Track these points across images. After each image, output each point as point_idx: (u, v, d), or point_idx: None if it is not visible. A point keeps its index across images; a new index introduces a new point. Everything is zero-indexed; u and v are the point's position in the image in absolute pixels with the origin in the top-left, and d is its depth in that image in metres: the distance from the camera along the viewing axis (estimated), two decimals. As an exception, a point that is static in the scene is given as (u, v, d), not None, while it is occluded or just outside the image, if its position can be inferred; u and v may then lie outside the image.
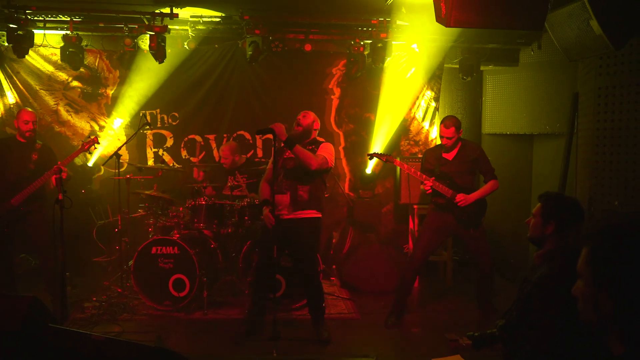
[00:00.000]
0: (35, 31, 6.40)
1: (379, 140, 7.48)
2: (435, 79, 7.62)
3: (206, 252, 5.95)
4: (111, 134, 7.34)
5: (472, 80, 7.24)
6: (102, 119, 7.35)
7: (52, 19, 6.44)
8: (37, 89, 7.18)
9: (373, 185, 7.54)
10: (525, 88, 7.14)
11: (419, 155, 6.93)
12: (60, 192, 4.85)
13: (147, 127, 6.65)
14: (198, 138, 7.48)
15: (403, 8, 6.28)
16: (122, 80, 7.29)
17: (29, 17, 6.26)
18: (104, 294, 6.09)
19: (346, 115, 7.64)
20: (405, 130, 7.69)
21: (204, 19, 6.64)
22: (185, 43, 6.84)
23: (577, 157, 5.67)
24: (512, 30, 6.47)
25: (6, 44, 6.35)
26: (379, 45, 6.63)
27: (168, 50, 6.56)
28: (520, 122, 7.22)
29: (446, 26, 4.20)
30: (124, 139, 7.20)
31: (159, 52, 6.38)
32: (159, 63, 6.59)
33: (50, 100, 7.23)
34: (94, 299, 5.94)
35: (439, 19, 4.27)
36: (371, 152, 5.65)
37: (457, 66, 7.12)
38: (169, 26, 6.38)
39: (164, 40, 6.42)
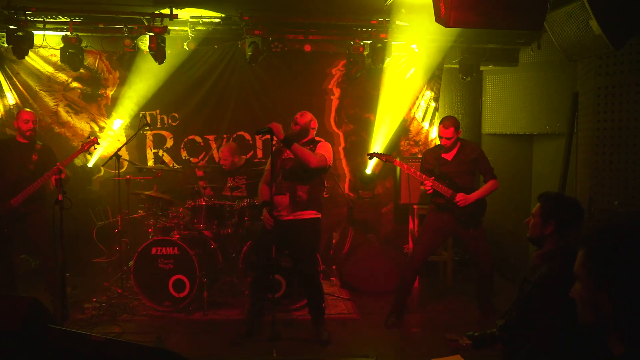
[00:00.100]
0: (35, 32, 6.40)
1: (379, 141, 7.48)
2: (435, 79, 7.62)
3: (206, 252, 5.95)
4: (111, 135, 7.34)
5: (471, 81, 7.24)
6: (102, 119, 7.36)
7: (51, 20, 6.44)
8: (37, 90, 7.18)
9: (373, 186, 7.54)
10: (525, 88, 7.14)
11: (419, 156, 6.93)
12: (60, 193, 4.85)
13: (147, 127, 6.65)
14: (198, 139, 7.48)
15: (403, 8, 6.28)
16: (122, 81, 7.29)
17: (29, 18, 6.26)
18: (104, 295, 6.09)
19: (346, 115, 7.64)
20: (405, 131, 7.69)
21: (204, 20, 6.64)
22: (185, 44, 6.84)
23: (577, 157, 5.67)
24: (511, 31, 6.46)
25: (6, 45, 6.35)
26: (379, 45, 6.63)
27: (168, 51, 6.56)
28: (520, 122, 7.22)
29: (445, 26, 4.21)
30: (123, 139, 7.20)
31: (158, 53, 6.38)
32: (159, 64, 6.59)
33: (50, 101, 7.23)
34: (94, 299, 5.94)
35: (439, 19, 4.28)
36: (371, 152, 5.65)
37: (457, 66, 7.12)
38: (168, 27, 6.37)
39: (163, 41, 6.42)
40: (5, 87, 7.11)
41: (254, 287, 5.15)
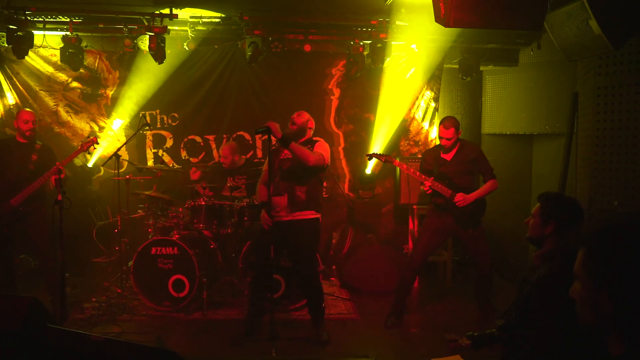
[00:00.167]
0: (35, 32, 6.39)
1: (379, 141, 7.48)
2: (434, 79, 7.62)
3: (206, 252, 5.95)
4: (111, 135, 7.34)
5: (471, 81, 7.23)
6: (102, 119, 7.36)
7: (51, 20, 6.43)
8: (37, 89, 7.19)
9: (373, 186, 7.54)
10: (525, 88, 7.14)
11: (419, 156, 6.92)
12: (60, 193, 4.85)
13: (147, 127, 6.65)
14: (198, 139, 7.48)
15: (402, 8, 6.28)
16: (122, 81, 7.29)
17: (29, 18, 6.26)
18: (104, 295, 6.10)
19: (346, 115, 7.64)
20: (404, 131, 7.69)
21: (204, 20, 6.64)
22: (185, 44, 6.84)
23: (577, 157, 5.67)
24: (511, 31, 6.46)
25: (6, 45, 6.35)
26: (379, 45, 6.62)
27: (168, 51, 6.56)
28: (520, 122, 7.21)
29: (445, 26, 4.20)
30: (123, 139, 7.20)
31: (158, 53, 6.38)
32: (159, 64, 6.59)
33: (50, 101, 7.23)
34: (94, 299, 5.94)
35: (438, 19, 4.27)
36: (370, 152, 5.65)
37: (457, 66, 7.12)
38: (168, 27, 6.37)
39: (163, 41, 6.42)
40: (5, 87, 7.11)
41: (253, 287, 5.15)
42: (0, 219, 5.37)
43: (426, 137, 7.70)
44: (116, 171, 6.18)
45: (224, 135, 7.47)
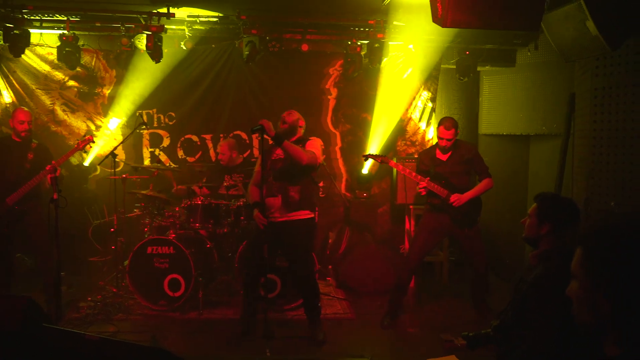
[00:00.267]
0: (32, 30, 6.38)
1: (376, 141, 7.47)
2: (431, 79, 7.62)
3: (202, 252, 5.94)
4: (107, 134, 7.32)
5: (469, 81, 7.24)
6: (99, 118, 7.34)
7: (48, 18, 6.42)
8: (34, 88, 7.16)
9: (369, 186, 7.55)
10: (522, 89, 7.14)
11: (415, 156, 6.93)
12: (55, 192, 4.83)
13: (144, 126, 6.65)
14: (195, 138, 7.47)
15: (400, 8, 6.28)
16: (119, 80, 7.27)
17: (26, 16, 6.24)
18: (99, 294, 6.08)
19: (343, 115, 7.63)
20: (402, 131, 7.68)
21: (201, 19, 6.62)
22: (182, 43, 6.82)
23: (574, 157, 5.67)
24: (508, 31, 6.46)
25: (2, 43, 6.32)
26: (376, 45, 6.62)
27: (165, 50, 6.55)
28: (516, 123, 7.22)
29: (442, 27, 4.21)
30: (120, 138, 7.18)
31: (155, 52, 6.37)
32: (156, 63, 6.57)
33: (46, 100, 7.21)
34: (89, 298, 5.93)
35: (436, 19, 4.27)
36: (367, 152, 5.66)
37: (454, 67, 7.12)
38: (165, 26, 6.35)
39: (160, 40, 6.40)
40: (2, 85, 7.09)
41: (248, 287, 5.14)
42: (0, 219, 5.35)
43: (423, 137, 7.70)
44: (112, 170, 6.17)
45: (221, 135, 7.45)
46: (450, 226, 5.35)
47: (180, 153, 7.46)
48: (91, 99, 7.32)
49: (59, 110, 7.25)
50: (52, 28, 6.54)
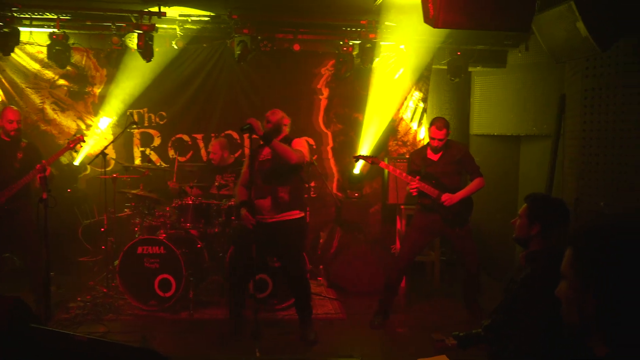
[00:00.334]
0: (22, 29, 6.33)
1: (368, 141, 7.47)
2: (423, 79, 7.63)
3: (193, 251, 5.92)
4: (98, 133, 7.28)
5: (460, 82, 7.25)
6: (89, 117, 7.30)
7: (38, 16, 6.37)
8: (23, 87, 7.11)
9: (361, 186, 7.55)
10: (513, 89, 7.16)
11: (407, 156, 6.94)
12: (45, 191, 4.80)
13: (134, 126, 6.62)
14: (186, 137, 7.44)
15: (392, 9, 6.28)
16: (110, 79, 7.23)
17: (15, 14, 6.19)
18: (89, 294, 6.05)
19: (335, 115, 7.63)
20: (393, 131, 7.69)
21: (192, 18, 6.61)
22: (174, 42, 6.80)
23: (564, 158, 5.70)
24: (499, 32, 6.48)
25: (-9, 41, 6.29)
26: (368, 45, 6.63)
27: (156, 49, 6.52)
28: (507, 124, 7.24)
29: (434, 27, 4.22)
30: (110, 137, 7.14)
31: (146, 51, 6.34)
32: (147, 62, 6.54)
33: (36, 99, 7.16)
34: (79, 299, 5.90)
35: (427, 19, 4.28)
36: (359, 153, 5.66)
37: (446, 67, 7.13)
38: (156, 25, 6.33)
39: (151, 39, 6.38)
40: (-9, 84, 7.04)
41: (237, 287, 5.12)
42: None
43: (414, 138, 7.71)
44: (103, 169, 6.14)
45: (212, 134, 7.41)
46: (442, 226, 5.36)
47: (171, 152, 7.40)
48: (81, 98, 7.28)
49: (48, 109, 7.20)
50: (42, 26, 6.49)
